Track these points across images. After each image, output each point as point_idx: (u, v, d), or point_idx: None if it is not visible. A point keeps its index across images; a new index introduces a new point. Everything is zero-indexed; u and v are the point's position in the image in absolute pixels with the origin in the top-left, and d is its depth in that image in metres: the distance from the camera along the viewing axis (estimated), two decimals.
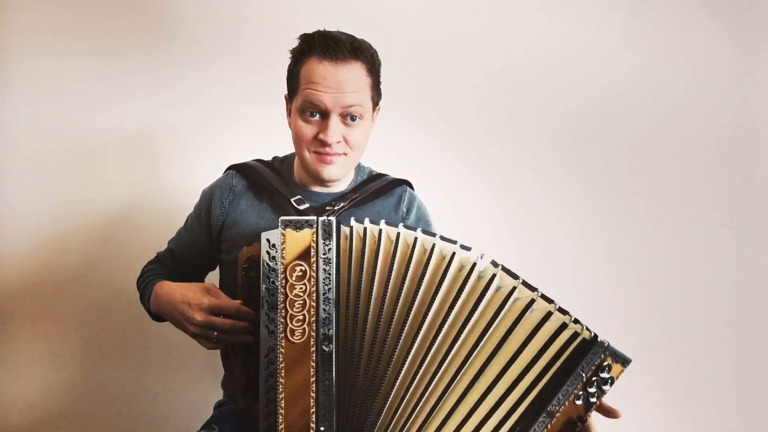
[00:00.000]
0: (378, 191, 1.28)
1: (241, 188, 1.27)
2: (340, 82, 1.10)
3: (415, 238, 0.95)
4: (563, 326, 0.91)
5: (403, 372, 0.95)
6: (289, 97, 1.21)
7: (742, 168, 1.82)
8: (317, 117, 1.14)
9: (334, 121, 1.12)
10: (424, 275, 0.94)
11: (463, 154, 1.82)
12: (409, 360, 0.95)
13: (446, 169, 1.82)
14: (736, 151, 1.82)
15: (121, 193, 1.78)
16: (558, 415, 0.92)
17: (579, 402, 0.93)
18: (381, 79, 1.22)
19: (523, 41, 1.81)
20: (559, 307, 0.93)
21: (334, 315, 0.94)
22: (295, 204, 1.19)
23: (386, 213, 1.28)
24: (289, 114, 1.23)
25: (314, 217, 0.95)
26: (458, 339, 0.93)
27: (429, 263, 0.94)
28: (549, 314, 0.91)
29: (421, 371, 0.94)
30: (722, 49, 1.80)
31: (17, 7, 1.73)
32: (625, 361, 0.94)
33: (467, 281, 0.93)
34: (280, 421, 0.93)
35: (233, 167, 1.32)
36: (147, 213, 1.78)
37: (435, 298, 0.94)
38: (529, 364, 0.92)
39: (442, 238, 0.96)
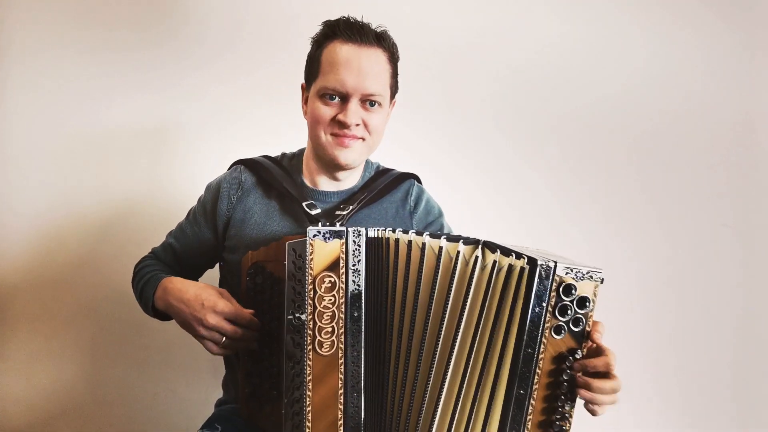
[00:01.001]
0: (385, 188, 1.26)
1: (249, 184, 1.24)
2: (363, 66, 1.09)
3: (440, 247, 0.93)
4: (510, 268, 0.88)
5: (433, 382, 0.93)
6: (307, 84, 1.19)
7: (743, 168, 1.83)
8: (337, 100, 1.12)
9: (354, 103, 1.11)
10: (452, 281, 0.93)
11: (473, 152, 1.82)
12: (440, 369, 0.93)
13: (456, 166, 1.82)
14: (737, 152, 1.83)
15: (121, 193, 1.76)
16: (541, 355, 0.88)
17: (560, 335, 0.89)
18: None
19: (532, 42, 1.81)
20: (502, 249, 0.90)
21: (363, 327, 0.93)
22: (306, 209, 1.16)
23: (393, 209, 1.27)
24: (305, 102, 1.20)
25: (343, 228, 0.94)
26: (476, 336, 0.92)
27: (455, 269, 0.93)
28: (495, 264, 0.88)
29: (452, 378, 0.93)
30: (724, 50, 1.81)
31: (18, 4, 1.69)
32: (592, 275, 0.88)
33: (491, 279, 0.92)
34: None
35: (241, 162, 1.28)
36: (148, 213, 1.76)
37: (466, 304, 0.92)
38: (494, 323, 0.90)
39: (466, 242, 0.94)
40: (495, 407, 0.91)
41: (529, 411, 0.89)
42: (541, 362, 0.88)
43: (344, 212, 1.17)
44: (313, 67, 1.15)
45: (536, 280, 0.86)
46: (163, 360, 1.79)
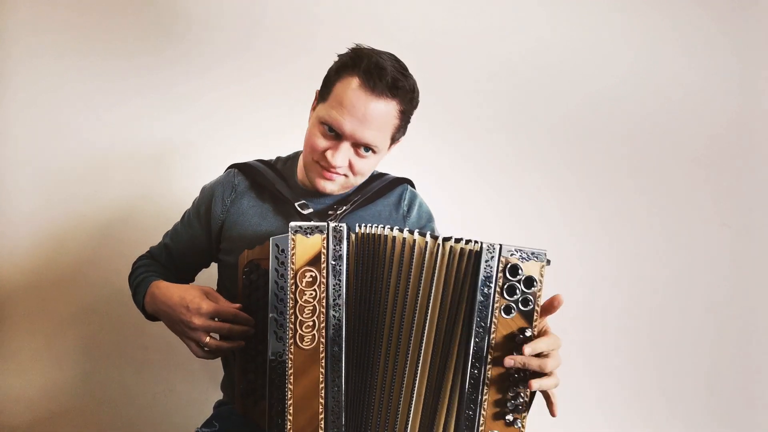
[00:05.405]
0: (379, 191, 1.28)
1: (243, 187, 1.26)
2: (366, 115, 1.07)
3: (426, 242, 0.95)
4: (462, 252, 0.93)
5: (416, 377, 0.95)
6: (320, 97, 1.17)
7: (742, 168, 1.82)
8: (333, 134, 1.11)
9: (345, 147, 1.11)
10: (432, 278, 0.95)
11: (467, 153, 1.82)
12: (420, 365, 0.95)
13: (451, 168, 1.82)
14: (736, 151, 1.82)
15: (121, 193, 1.77)
16: (493, 335, 0.92)
17: (511, 315, 0.92)
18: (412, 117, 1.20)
19: (526, 40, 1.81)
20: (451, 238, 0.95)
21: (344, 321, 0.94)
22: (299, 209, 1.18)
23: (387, 212, 1.28)
24: (312, 109, 1.20)
25: (324, 223, 0.95)
26: (441, 322, 0.96)
27: (436, 265, 0.95)
28: (451, 249, 0.93)
29: (422, 365, 0.95)
30: (722, 49, 1.81)
31: (19, 6, 1.71)
32: (537, 256, 0.92)
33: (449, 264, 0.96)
34: (288, 427, 0.93)
35: (235, 166, 1.31)
36: (147, 212, 1.77)
37: (445, 300, 0.95)
38: (450, 306, 0.94)
39: (445, 239, 0.96)
40: (455, 388, 0.94)
41: (485, 391, 0.92)
42: (493, 341, 0.92)
43: (337, 212, 1.18)
44: (327, 89, 1.14)
45: (483, 261, 0.91)
46: (163, 360, 1.80)
